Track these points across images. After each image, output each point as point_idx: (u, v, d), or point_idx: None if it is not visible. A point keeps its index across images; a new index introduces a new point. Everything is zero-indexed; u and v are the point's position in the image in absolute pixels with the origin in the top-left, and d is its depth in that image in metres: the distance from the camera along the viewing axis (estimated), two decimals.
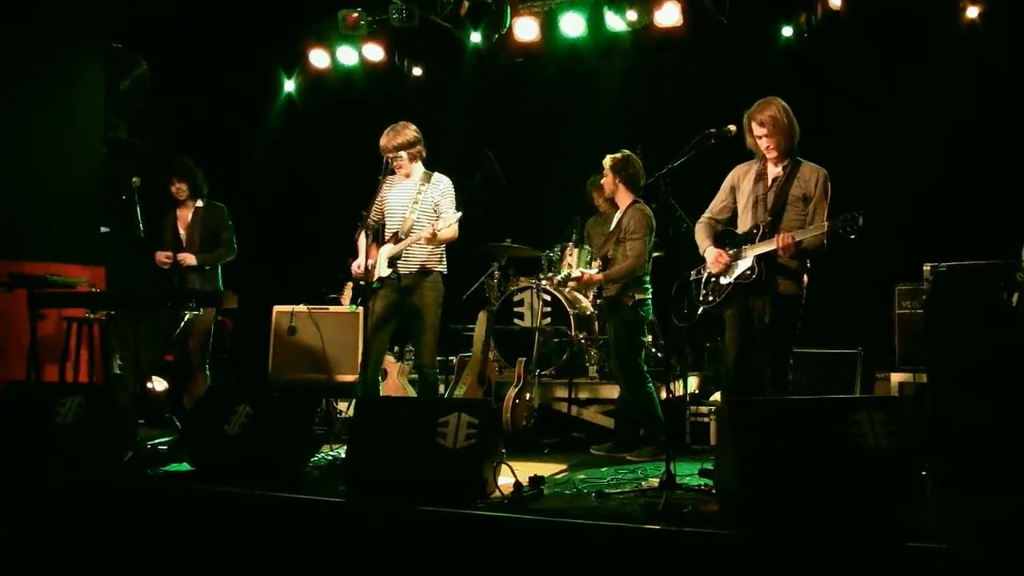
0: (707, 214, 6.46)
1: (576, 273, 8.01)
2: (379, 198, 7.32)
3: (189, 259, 7.95)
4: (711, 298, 6.25)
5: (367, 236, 7.36)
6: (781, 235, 5.89)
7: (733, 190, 6.35)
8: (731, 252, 6.17)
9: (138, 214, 7.76)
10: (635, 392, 7.40)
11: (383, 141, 7.22)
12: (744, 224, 6.23)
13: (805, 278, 6.08)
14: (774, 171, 6.14)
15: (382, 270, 7.24)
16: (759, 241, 6.03)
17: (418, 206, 7.24)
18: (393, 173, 7.28)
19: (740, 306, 6.14)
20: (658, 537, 4.63)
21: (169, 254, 7.99)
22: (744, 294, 6.10)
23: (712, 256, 6.25)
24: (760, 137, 6.07)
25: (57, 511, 5.92)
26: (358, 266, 7.25)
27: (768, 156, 6.11)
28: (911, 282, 7.98)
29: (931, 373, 5.81)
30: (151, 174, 8.20)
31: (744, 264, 6.08)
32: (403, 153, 7.19)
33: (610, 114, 10.58)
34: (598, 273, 7.60)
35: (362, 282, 7.24)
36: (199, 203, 8.11)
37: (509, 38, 10.33)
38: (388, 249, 7.23)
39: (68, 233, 9.12)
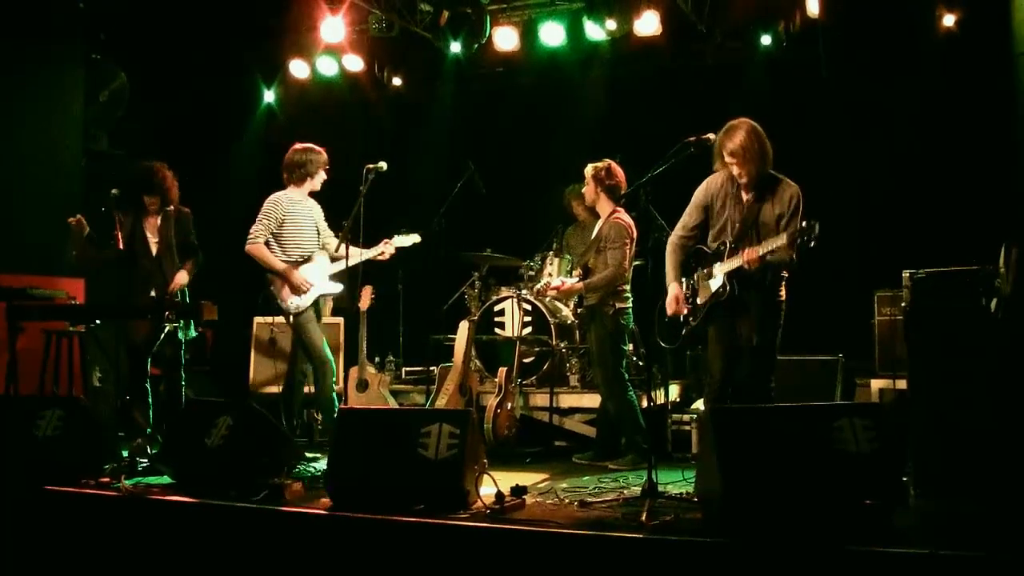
0: (679, 232, 6.35)
1: (556, 282, 8.02)
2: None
3: (182, 279, 7.71)
4: (691, 319, 6.25)
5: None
6: (746, 250, 5.89)
7: (706, 208, 6.25)
8: (704, 271, 6.17)
9: (117, 226, 7.70)
10: (616, 400, 7.40)
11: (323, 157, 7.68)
12: (715, 241, 6.22)
13: (782, 292, 6.06)
14: (747, 191, 6.10)
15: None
16: (727, 258, 6.02)
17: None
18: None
19: (721, 321, 6.14)
20: (641, 546, 4.63)
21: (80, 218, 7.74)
22: (723, 311, 6.09)
23: (671, 296, 6.24)
24: (731, 165, 6.01)
25: (37, 523, 5.89)
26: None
27: (740, 182, 6.06)
28: (890, 288, 8.02)
29: (911, 379, 5.83)
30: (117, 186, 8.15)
31: (715, 283, 6.07)
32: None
33: (590, 123, 10.59)
34: (578, 282, 7.60)
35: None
36: (169, 208, 7.86)
37: (489, 48, 10.34)
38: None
39: (47, 245, 9.08)
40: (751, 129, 5.95)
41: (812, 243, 5.58)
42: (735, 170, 5.99)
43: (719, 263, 6.06)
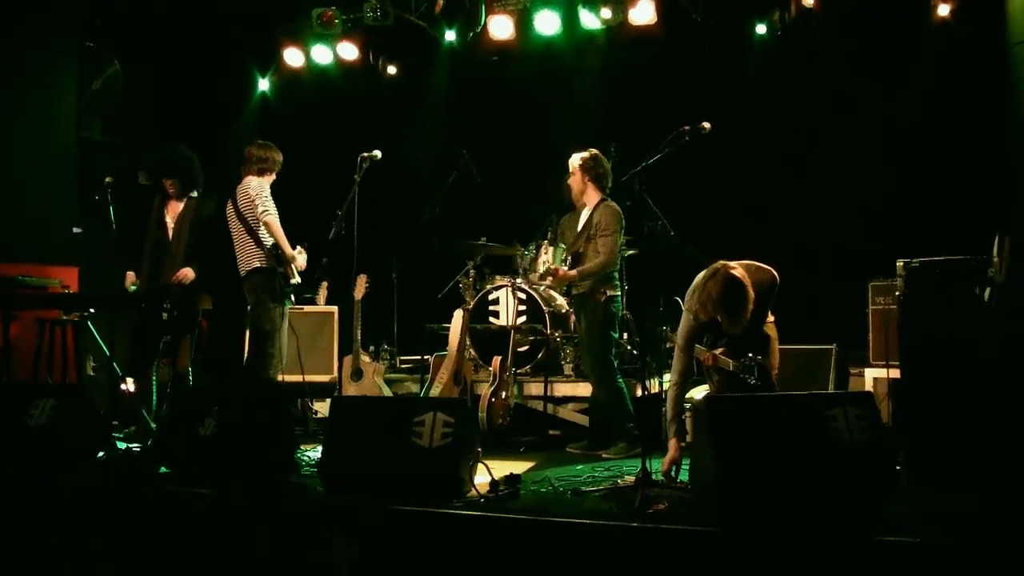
0: (676, 368, 6.07)
1: (552, 270, 8.04)
2: None
3: (188, 275, 7.63)
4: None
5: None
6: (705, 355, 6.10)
7: (695, 343, 6.11)
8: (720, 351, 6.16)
9: (111, 214, 7.68)
10: (605, 387, 7.42)
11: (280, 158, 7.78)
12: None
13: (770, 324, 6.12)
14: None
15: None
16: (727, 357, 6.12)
17: None
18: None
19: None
20: (635, 534, 4.64)
21: (132, 275, 7.72)
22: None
23: (668, 456, 5.86)
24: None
25: (30, 511, 5.89)
26: None
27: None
28: (884, 278, 8.03)
29: (904, 368, 5.84)
30: (125, 173, 8.13)
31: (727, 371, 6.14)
32: None
33: (585, 112, 10.59)
34: (571, 270, 7.60)
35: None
36: (193, 194, 7.83)
37: (484, 36, 10.32)
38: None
39: (41, 234, 9.05)
40: (740, 290, 5.69)
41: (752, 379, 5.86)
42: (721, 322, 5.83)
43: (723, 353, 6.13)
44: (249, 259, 7.53)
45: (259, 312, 7.56)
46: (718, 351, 6.09)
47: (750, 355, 5.88)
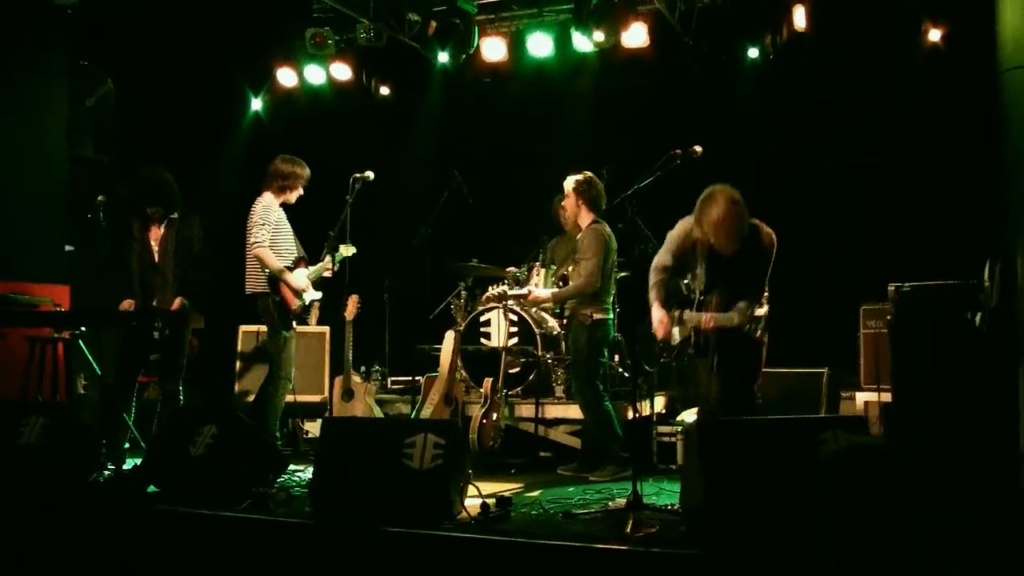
0: (659, 263, 6.17)
1: (523, 291, 8.08)
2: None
3: (177, 306, 7.54)
4: (666, 354, 6.21)
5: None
6: (705, 315, 5.87)
7: (680, 256, 6.12)
8: (675, 314, 6.08)
9: (103, 232, 7.66)
10: (592, 411, 7.41)
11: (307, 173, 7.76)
12: (690, 282, 6.15)
13: (760, 330, 5.93)
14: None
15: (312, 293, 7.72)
16: (695, 309, 5.97)
17: None
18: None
19: (698, 363, 6.12)
20: (625, 557, 4.63)
21: (132, 302, 7.58)
22: (696, 355, 6.07)
23: (656, 319, 6.08)
24: (708, 236, 5.83)
25: (22, 531, 5.86)
26: None
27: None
28: (876, 302, 8.04)
29: (896, 392, 5.85)
30: (117, 191, 8.10)
31: (682, 332, 6.03)
32: None
33: (578, 134, 10.61)
34: (545, 292, 7.62)
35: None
36: (174, 215, 7.71)
37: (477, 58, 10.35)
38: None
39: (32, 251, 9.04)
40: (729, 203, 5.73)
41: (759, 330, 5.69)
42: (711, 239, 5.83)
43: (688, 310, 6.01)
44: (253, 283, 7.57)
45: (267, 335, 7.67)
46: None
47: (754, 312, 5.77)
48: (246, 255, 7.58)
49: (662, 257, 6.18)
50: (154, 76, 10.70)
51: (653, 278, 6.16)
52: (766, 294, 5.87)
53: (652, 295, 6.14)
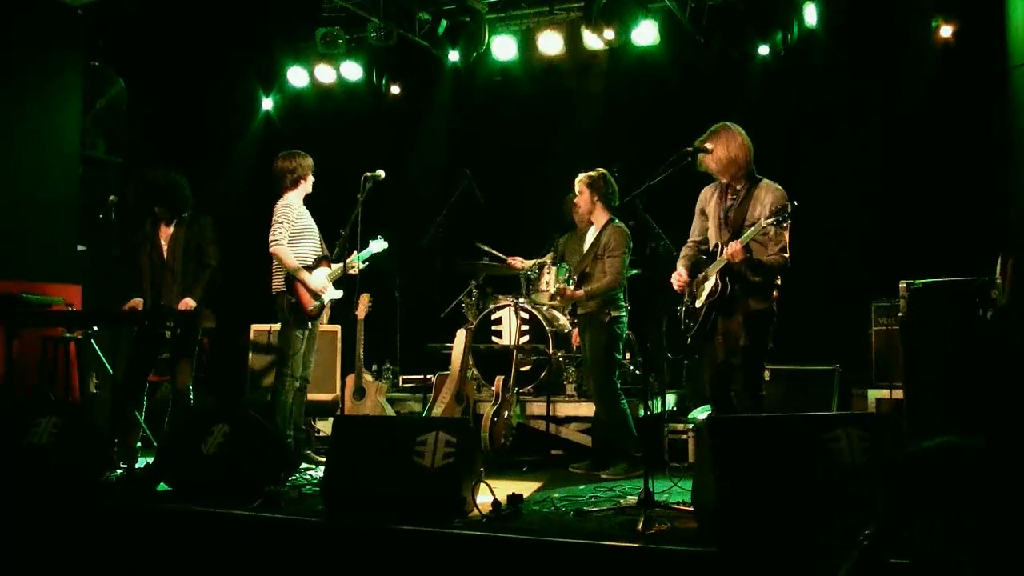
0: (689, 240, 6.48)
1: (554, 290, 8.06)
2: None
3: (189, 305, 7.55)
4: (691, 324, 6.24)
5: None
6: (729, 245, 5.92)
7: (703, 212, 6.38)
8: (700, 276, 6.18)
9: (115, 232, 7.68)
10: (608, 409, 7.41)
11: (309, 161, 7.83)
12: (711, 244, 6.26)
13: (775, 293, 6.05)
14: (734, 190, 6.15)
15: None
16: (718, 257, 6.06)
17: None
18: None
19: (715, 327, 6.12)
20: (636, 555, 4.63)
21: (140, 302, 7.61)
22: (717, 313, 6.08)
23: (675, 275, 6.36)
24: (711, 170, 6.14)
25: (33, 531, 5.88)
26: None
27: (722, 181, 6.17)
28: (887, 299, 8.02)
29: (907, 389, 5.84)
30: (124, 192, 8.12)
31: (709, 283, 6.09)
32: None
33: (588, 132, 10.59)
34: (578, 290, 7.60)
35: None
36: (184, 215, 7.73)
37: (487, 56, 10.36)
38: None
39: (44, 251, 9.07)
40: (730, 133, 6.06)
41: (788, 221, 5.79)
42: (715, 173, 6.13)
43: (712, 264, 6.09)
44: (275, 282, 7.58)
45: (281, 332, 7.65)
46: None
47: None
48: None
49: (692, 229, 6.46)
50: (165, 77, 10.73)
51: (682, 253, 6.47)
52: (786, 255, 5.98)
53: (679, 264, 6.40)
